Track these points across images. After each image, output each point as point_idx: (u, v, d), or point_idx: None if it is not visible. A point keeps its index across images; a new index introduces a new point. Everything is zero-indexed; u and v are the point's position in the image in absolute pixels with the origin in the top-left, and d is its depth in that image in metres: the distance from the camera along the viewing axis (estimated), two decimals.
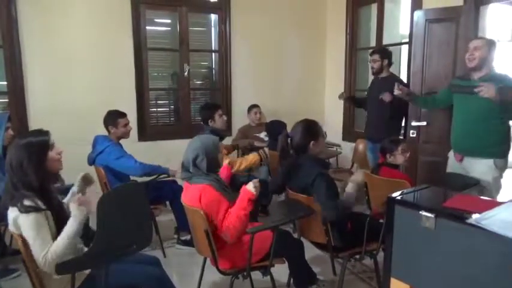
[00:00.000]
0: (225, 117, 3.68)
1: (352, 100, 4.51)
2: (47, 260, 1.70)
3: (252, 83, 4.96)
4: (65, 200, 2.08)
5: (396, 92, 3.20)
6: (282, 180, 2.58)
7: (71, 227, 1.77)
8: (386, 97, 3.61)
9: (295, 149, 2.49)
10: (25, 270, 1.81)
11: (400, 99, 3.73)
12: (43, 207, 1.76)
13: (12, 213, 1.76)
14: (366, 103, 4.20)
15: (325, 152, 4.42)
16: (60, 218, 1.83)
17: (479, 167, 2.77)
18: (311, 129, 2.48)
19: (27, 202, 1.74)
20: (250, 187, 2.18)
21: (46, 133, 1.91)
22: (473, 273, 1.29)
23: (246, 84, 4.92)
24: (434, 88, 3.50)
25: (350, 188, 2.47)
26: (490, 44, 2.73)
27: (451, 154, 3.03)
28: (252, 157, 3.39)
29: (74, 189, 2.16)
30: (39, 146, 1.84)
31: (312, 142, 2.44)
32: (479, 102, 2.67)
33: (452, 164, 2.99)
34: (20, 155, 1.80)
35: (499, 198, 2.49)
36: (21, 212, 1.72)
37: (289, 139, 2.50)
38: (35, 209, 1.73)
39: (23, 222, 1.73)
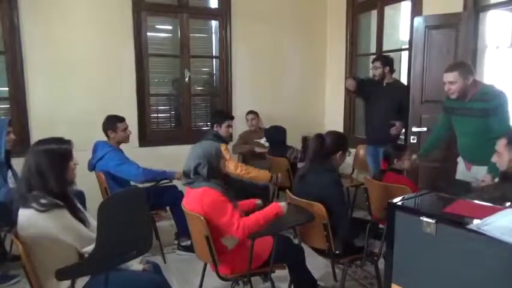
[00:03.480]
0: (231, 130, 3.73)
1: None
2: None
3: (253, 89, 4.98)
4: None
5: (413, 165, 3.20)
6: (297, 181, 2.60)
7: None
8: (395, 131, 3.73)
9: (323, 152, 2.50)
10: (25, 276, 1.80)
11: (400, 104, 3.77)
12: (61, 203, 1.78)
13: (28, 213, 1.75)
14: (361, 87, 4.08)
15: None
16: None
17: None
18: (344, 141, 2.60)
19: (43, 200, 1.74)
20: (283, 204, 2.28)
21: (69, 142, 1.93)
22: (474, 278, 1.29)
23: (246, 90, 4.93)
24: (434, 95, 3.51)
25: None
26: (464, 72, 2.69)
27: (460, 160, 3.01)
28: (264, 174, 3.50)
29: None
30: (64, 154, 1.87)
31: (340, 152, 2.51)
32: (477, 122, 2.70)
33: (462, 169, 2.98)
34: (41, 159, 1.81)
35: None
36: (40, 211, 1.71)
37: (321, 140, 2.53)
38: (55, 206, 1.74)
39: (48, 222, 1.73)
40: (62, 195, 1.82)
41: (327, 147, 2.49)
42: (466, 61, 2.96)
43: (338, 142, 2.53)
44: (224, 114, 3.89)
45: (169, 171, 3.35)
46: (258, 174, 3.51)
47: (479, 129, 2.70)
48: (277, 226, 2.27)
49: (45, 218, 1.73)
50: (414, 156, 3.03)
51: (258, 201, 2.61)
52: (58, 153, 1.85)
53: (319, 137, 2.53)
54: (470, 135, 2.80)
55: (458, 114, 2.86)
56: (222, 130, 3.63)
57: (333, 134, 2.59)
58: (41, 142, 1.88)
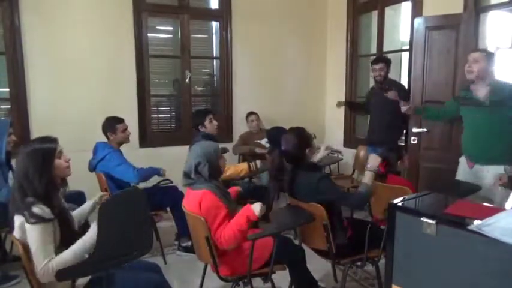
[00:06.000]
0: (215, 122, 3.61)
1: (349, 105, 4.47)
2: (46, 270, 1.69)
3: (253, 89, 4.98)
4: (74, 212, 2.09)
5: (404, 109, 3.19)
6: (289, 192, 2.56)
7: (83, 243, 1.76)
8: (392, 95, 3.55)
9: (291, 160, 2.48)
10: (25, 277, 1.80)
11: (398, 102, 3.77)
12: (51, 216, 1.76)
13: (19, 219, 1.75)
14: (362, 108, 4.26)
15: (326, 159, 4.42)
16: (63, 226, 1.83)
17: (489, 173, 2.76)
18: (303, 137, 2.48)
19: (35, 209, 1.72)
20: (256, 208, 2.15)
21: (53, 140, 1.90)
22: (474, 279, 1.29)
23: (247, 91, 4.94)
24: (435, 95, 3.51)
25: (367, 179, 2.37)
26: (489, 56, 2.73)
27: (462, 159, 3.00)
28: (241, 166, 3.36)
29: (88, 204, 2.18)
30: (45, 153, 1.84)
31: (307, 150, 2.46)
32: (488, 115, 2.69)
33: (463, 170, 2.98)
34: (26, 162, 1.79)
35: (507, 206, 2.48)
36: (29, 223, 1.71)
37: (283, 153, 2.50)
38: (43, 220, 1.72)
39: (30, 230, 1.72)
40: (47, 197, 1.79)
41: (293, 155, 2.45)
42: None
43: (301, 142, 2.44)
44: (202, 111, 3.77)
45: (157, 167, 3.37)
46: (235, 169, 3.33)
47: (490, 121, 2.69)
48: (278, 227, 2.27)
49: (29, 228, 1.72)
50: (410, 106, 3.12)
51: (239, 189, 2.63)
52: (40, 153, 1.82)
53: (278, 151, 2.48)
54: (480, 127, 2.78)
55: (471, 105, 2.83)
56: (208, 127, 3.55)
57: (292, 135, 2.47)
58: (26, 145, 1.87)
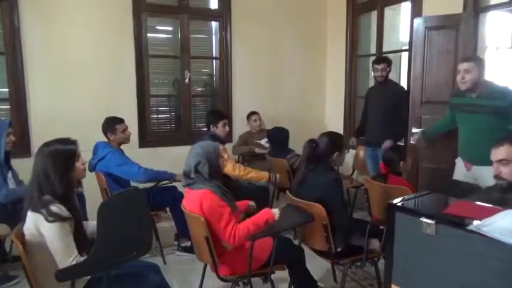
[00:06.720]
0: (227, 129, 3.75)
1: (358, 133, 4.39)
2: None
3: (253, 90, 4.98)
4: (92, 223, 2.08)
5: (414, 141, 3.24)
6: (296, 186, 2.59)
7: None
8: (387, 144, 3.72)
9: (318, 155, 2.51)
10: (25, 277, 1.80)
11: (399, 104, 3.78)
12: (68, 215, 1.77)
13: (33, 217, 1.76)
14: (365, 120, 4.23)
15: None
16: (76, 228, 1.84)
17: (487, 174, 2.76)
18: (336, 141, 2.57)
19: (53, 207, 1.74)
20: (275, 211, 2.25)
21: (74, 142, 1.92)
22: (474, 280, 1.29)
23: (246, 91, 4.94)
24: (434, 95, 3.51)
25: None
26: (480, 64, 2.74)
27: (458, 160, 3.01)
28: (263, 174, 3.60)
29: None
30: (67, 155, 1.86)
31: (336, 153, 2.51)
32: (482, 119, 2.70)
33: (460, 170, 2.98)
34: (46, 161, 1.81)
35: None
36: (47, 221, 1.71)
37: (314, 145, 2.53)
38: (61, 218, 1.74)
39: (48, 231, 1.73)
40: (65, 198, 1.81)
41: (320, 151, 2.49)
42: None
43: (332, 144, 2.51)
44: (219, 113, 3.89)
45: (170, 172, 3.37)
46: (257, 175, 3.59)
47: (486, 127, 2.70)
48: (278, 227, 2.27)
49: (47, 227, 1.73)
50: (417, 132, 3.08)
51: (251, 203, 2.61)
52: (62, 154, 1.85)
53: (312, 142, 2.52)
54: (476, 132, 2.78)
55: (465, 111, 2.84)
56: (219, 130, 3.64)
57: (327, 136, 2.57)
58: (46, 144, 1.88)
